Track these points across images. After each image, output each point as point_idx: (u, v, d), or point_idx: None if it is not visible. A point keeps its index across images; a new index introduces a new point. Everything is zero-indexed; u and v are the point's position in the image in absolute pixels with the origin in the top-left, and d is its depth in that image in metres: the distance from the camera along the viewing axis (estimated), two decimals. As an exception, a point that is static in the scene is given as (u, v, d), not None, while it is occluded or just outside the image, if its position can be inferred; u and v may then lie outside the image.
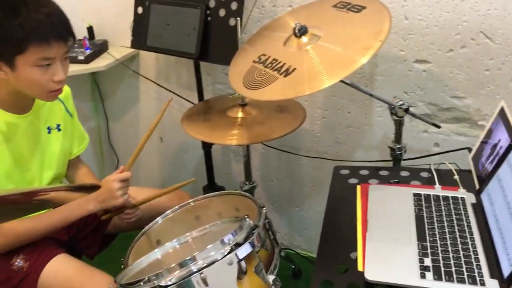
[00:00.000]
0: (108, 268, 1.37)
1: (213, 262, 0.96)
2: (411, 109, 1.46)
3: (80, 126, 1.58)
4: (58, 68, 1.22)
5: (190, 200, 1.48)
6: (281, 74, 1.26)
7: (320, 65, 1.22)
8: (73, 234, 1.53)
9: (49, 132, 1.43)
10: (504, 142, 1.17)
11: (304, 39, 1.32)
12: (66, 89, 1.46)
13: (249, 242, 1.01)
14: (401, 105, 1.45)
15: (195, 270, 0.96)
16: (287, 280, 2.00)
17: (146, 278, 0.97)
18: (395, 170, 1.41)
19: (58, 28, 1.18)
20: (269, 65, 1.32)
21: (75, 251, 1.49)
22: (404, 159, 1.56)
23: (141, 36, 1.83)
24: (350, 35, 1.26)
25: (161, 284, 0.95)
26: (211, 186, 2.12)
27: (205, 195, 1.49)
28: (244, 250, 0.99)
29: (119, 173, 1.38)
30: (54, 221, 1.34)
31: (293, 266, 2.06)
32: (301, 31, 1.31)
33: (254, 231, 1.07)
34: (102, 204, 1.35)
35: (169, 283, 0.95)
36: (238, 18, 1.59)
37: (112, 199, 1.35)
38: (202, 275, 0.95)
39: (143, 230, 1.42)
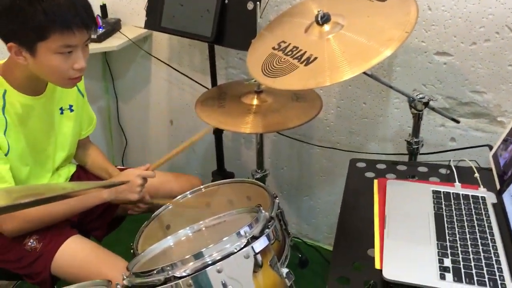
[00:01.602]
0: (115, 250, 1.36)
1: (229, 255, 0.94)
2: (430, 102, 1.43)
3: (89, 107, 1.56)
4: (79, 56, 1.19)
5: (202, 186, 1.47)
6: (301, 63, 1.22)
7: (342, 56, 1.19)
8: (83, 215, 1.51)
9: (61, 113, 1.41)
10: (529, 142, 1.14)
11: (326, 27, 1.28)
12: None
13: (265, 235, 0.99)
14: (421, 98, 1.41)
15: (210, 262, 0.94)
16: (293, 268, 1.98)
17: (160, 267, 0.96)
18: (413, 165, 1.38)
19: (82, 15, 1.15)
20: (289, 52, 1.28)
21: (84, 232, 1.49)
22: (420, 153, 1.54)
23: (155, 16, 1.79)
24: (374, 25, 1.22)
25: (175, 275, 0.93)
26: (221, 171, 2.10)
27: (216, 182, 1.47)
28: (261, 244, 0.97)
29: (145, 170, 1.37)
30: (68, 208, 1.34)
31: (300, 255, 2.06)
32: (324, 19, 1.27)
33: (270, 224, 1.05)
34: (118, 195, 1.36)
35: (184, 274, 0.93)
36: (257, 2, 1.54)
37: (130, 193, 1.35)
38: (218, 267, 0.93)
39: (153, 215, 1.41)
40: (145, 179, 1.39)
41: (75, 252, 1.32)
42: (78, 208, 1.35)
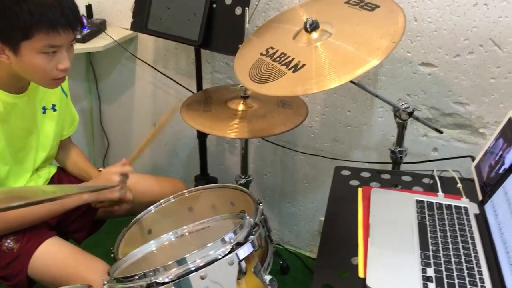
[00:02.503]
0: (94, 252, 1.34)
1: (213, 261, 0.93)
2: (415, 112, 1.44)
3: (72, 107, 1.54)
4: (63, 56, 1.17)
5: (185, 191, 1.45)
6: (289, 70, 1.22)
7: (329, 64, 1.19)
8: (62, 217, 1.48)
9: (44, 112, 1.38)
10: (511, 154, 1.16)
11: (315, 35, 1.28)
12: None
13: (250, 242, 0.98)
14: (405, 108, 1.43)
15: (193, 268, 0.92)
16: (274, 275, 1.98)
17: (142, 273, 0.94)
18: (397, 174, 1.39)
19: (67, 15, 1.13)
20: (277, 59, 1.28)
21: (63, 235, 1.46)
22: (403, 163, 1.55)
23: (142, 18, 1.77)
24: (362, 34, 1.23)
25: (158, 281, 0.91)
26: (204, 176, 2.09)
27: (200, 187, 1.45)
28: (246, 250, 0.96)
29: (121, 166, 1.34)
30: (48, 209, 1.31)
31: (281, 262, 2.06)
32: (312, 26, 1.27)
33: (254, 230, 1.04)
34: (98, 195, 1.33)
35: (166, 280, 0.91)
36: (246, 8, 1.54)
37: (109, 192, 1.33)
38: (201, 274, 0.91)
39: (135, 219, 1.39)
40: (124, 175, 1.35)
41: (54, 254, 1.29)
42: (58, 209, 1.32)
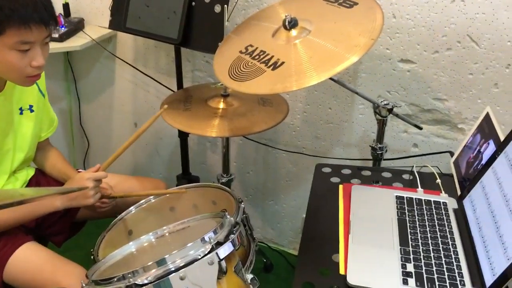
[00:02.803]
0: (74, 254, 1.32)
1: (192, 261, 0.92)
2: (394, 109, 1.45)
3: (50, 108, 1.51)
4: (37, 53, 1.15)
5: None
6: (268, 67, 1.22)
7: (309, 61, 1.19)
8: (41, 220, 1.46)
9: (21, 113, 1.36)
10: (488, 149, 1.17)
11: (294, 32, 1.28)
12: (40, 68, 1.39)
13: (230, 241, 0.98)
14: (385, 104, 1.43)
15: (173, 269, 0.92)
16: (258, 273, 1.98)
17: (121, 275, 0.93)
18: (377, 171, 1.40)
19: (40, 11, 1.11)
20: (257, 56, 1.27)
21: (41, 238, 1.43)
22: (384, 159, 1.56)
23: (120, 17, 1.75)
24: (341, 31, 1.23)
25: (137, 282, 0.91)
26: (186, 175, 2.08)
27: (181, 186, 1.45)
28: (226, 250, 0.96)
29: (94, 172, 1.32)
30: (18, 216, 1.28)
31: (264, 260, 2.06)
32: (291, 24, 1.27)
33: (235, 229, 1.04)
34: (71, 202, 1.30)
35: (146, 281, 0.91)
36: (225, 5, 1.53)
37: (83, 198, 1.30)
38: (180, 274, 0.91)
39: (115, 220, 1.38)
40: (97, 180, 1.33)
41: (29, 259, 1.27)
42: (28, 216, 1.29)
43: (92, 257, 1.24)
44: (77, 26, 2.00)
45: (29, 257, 1.27)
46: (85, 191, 1.29)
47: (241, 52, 1.33)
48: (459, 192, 1.24)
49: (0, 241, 1.27)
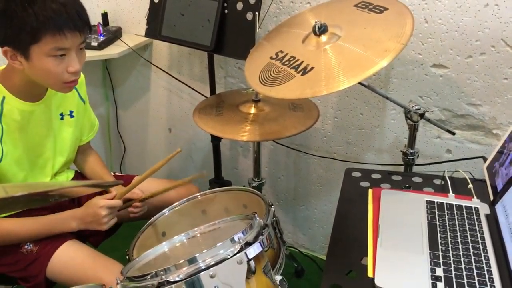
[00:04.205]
0: (111, 256, 1.36)
1: (222, 261, 0.95)
2: (426, 114, 1.44)
3: (91, 112, 1.58)
4: (73, 59, 1.21)
5: (198, 194, 1.48)
6: (298, 72, 1.24)
7: (338, 66, 1.20)
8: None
9: (61, 119, 1.42)
10: (522, 154, 1.15)
11: (324, 38, 1.30)
12: (81, 75, 1.45)
13: (259, 242, 1.00)
14: (416, 109, 1.43)
15: (203, 267, 0.94)
16: (289, 278, 1.98)
17: (154, 272, 0.96)
18: (407, 176, 1.39)
19: (73, 18, 1.16)
20: (287, 62, 1.30)
21: (80, 238, 1.49)
22: (416, 164, 1.55)
23: (156, 25, 1.81)
24: (370, 37, 1.24)
25: (169, 279, 0.94)
26: (218, 180, 2.11)
27: (213, 190, 1.48)
28: (254, 250, 0.98)
29: (109, 200, 1.36)
30: (35, 231, 1.33)
31: (295, 265, 2.06)
32: (321, 30, 1.28)
33: (264, 230, 1.06)
34: (86, 225, 1.34)
35: (177, 279, 0.93)
36: (256, 13, 1.57)
37: (97, 224, 1.34)
38: (210, 273, 0.93)
39: (149, 222, 1.42)
40: (111, 208, 1.34)
41: (72, 256, 1.32)
42: (45, 232, 1.34)
43: (127, 257, 1.29)
44: (115, 35, 2.08)
45: (71, 253, 1.33)
46: (98, 218, 1.32)
47: (271, 58, 1.35)
48: (491, 198, 1.22)
49: (43, 240, 1.34)
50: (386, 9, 1.30)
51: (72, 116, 1.45)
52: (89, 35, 1.98)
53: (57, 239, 1.35)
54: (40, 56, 1.17)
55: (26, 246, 1.33)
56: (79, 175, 1.59)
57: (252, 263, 0.97)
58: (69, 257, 1.33)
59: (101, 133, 2.51)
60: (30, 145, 1.33)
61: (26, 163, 1.33)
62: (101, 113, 2.46)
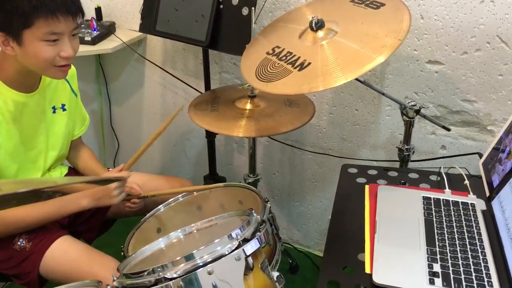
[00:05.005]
0: (105, 252, 1.35)
1: (220, 257, 0.94)
2: (422, 110, 1.44)
3: (82, 107, 1.56)
4: (66, 44, 1.19)
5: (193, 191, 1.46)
6: (295, 68, 1.23)
7: (335, 62, 1.20)
8: (73, 217, 1.50)
9: (54, 112, 1.41)
10: (518, 150, 1.16)
11: (320, 33, 1.29)
12: (72, 68, 1.43)
13: (257, 238, 1.00)
14: (412, 105, 1.43)
15: (201, 264, 0.94)
16: (284, 274, 1.99)
17: (151, 269, 0.96)
18: (404, 172, 1.39)
19: (66, 2, 1.15)
20: (283, 57, 1.29)
21: (74, 234, 1.48)
22: (411, 161, 1.55)
23: (150, 20, 1.79)
24: (367, 32, 1.23)
25: (166, 276, 0.93)
26: (213, 176, 2.10)
27: (208, 186, 1.47)
28: (252, 246, 0.98)
29: (119, 170, 1.35)
30: (45, 213, 1.31)
31: (290, 261, 2.06)
32: (318, 25, 1.28)
33: (261, 227, 1.05)
34: (97, 202, 1.33)
35: (175, 275, 0.93)
36: (252, 8, 1.56)
37: (108, 198, 1.32)
38: (208, 269, 0.93)
39: (144, 218, 1.41)
40: (120, 185, 1.34)
41: (66, 252, 1.31)
42: (55, 214, 1.32)
43: (122, 253, 1.28)
44: (109, 30, 2.06)
45: (66, 249, 1.31)
46: (109, 191, 1.31)
47: (268, 53, 1.35)
48: (487, 194, 1.23)
49: (36, 236, 1.32)
50: (382, 4, 1.30)
51: (64, 109, 1.44)
52: (83, 30, 1.97)
53: (50, 235, 1.33)
54: (33, 41, 1.15)
55: (19, 243, 1.32)
56: (73, 171, 1.58)
57: (250, 259, 0.97)
58: (63, 253, 1.31)
59: (95, 129, 2.49)
60: (23, 138, 1.31)
61: (20, 156, 1.32)
62: (94, 109, 2.44)
